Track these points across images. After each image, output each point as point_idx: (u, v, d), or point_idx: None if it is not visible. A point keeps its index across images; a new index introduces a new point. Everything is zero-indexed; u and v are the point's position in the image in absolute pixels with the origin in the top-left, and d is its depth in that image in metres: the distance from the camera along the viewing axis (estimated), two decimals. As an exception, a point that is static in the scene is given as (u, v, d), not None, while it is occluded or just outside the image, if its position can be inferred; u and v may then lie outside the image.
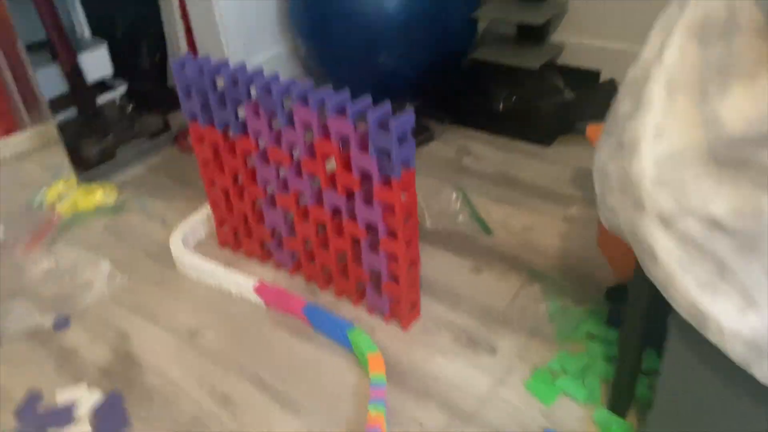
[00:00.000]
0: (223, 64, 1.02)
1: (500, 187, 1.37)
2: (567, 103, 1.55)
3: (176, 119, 1.73)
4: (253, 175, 1.10)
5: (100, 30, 1.70)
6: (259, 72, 0.98)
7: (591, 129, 1.10)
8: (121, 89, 1.68)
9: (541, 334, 1.00)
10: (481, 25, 1.72)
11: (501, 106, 1.57)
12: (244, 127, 1.05)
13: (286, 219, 1.10)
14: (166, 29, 1.77)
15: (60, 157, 1.47)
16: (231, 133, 1.08)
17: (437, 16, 1.53)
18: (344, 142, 0.92)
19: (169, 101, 1.79)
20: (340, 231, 1.03)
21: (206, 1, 1.56)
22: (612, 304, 1.02)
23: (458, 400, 0.91)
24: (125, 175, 1.52)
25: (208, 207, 1.30)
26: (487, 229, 1.24)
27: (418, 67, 1.60)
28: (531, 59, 1.58)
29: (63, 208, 1.36)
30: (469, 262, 1.16)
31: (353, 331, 1.00)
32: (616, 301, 1.02)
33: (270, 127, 1.00)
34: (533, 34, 1.64)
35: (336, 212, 1.01)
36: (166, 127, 1.66)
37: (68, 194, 1.40)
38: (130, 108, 1.72)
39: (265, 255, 1.20)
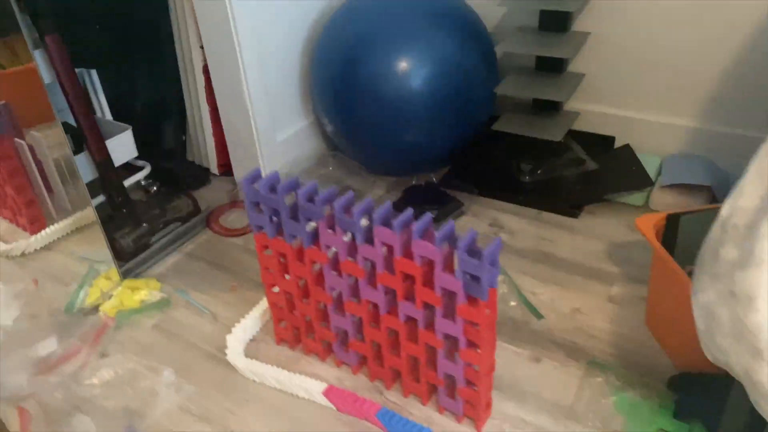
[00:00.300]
0: (294, 182, 1.04)
1: (540, 265, 1.41)
2: (590, 173, 1.61)
3: (203, 197, 1.73)
4: (319, 280, 1.12)
5: (121, 110, 1.70)
6: (333, 191, 1.01)
7: (641, 221, 1.15)
8: (145, 170, 1.68)
9: (611, 429, 1.04)
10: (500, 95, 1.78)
11: (527, 177, 1.62)
12: (314, 239, 1.07)
13: (354, 323, 1.12)
14: (188, 107, 1.78)
15: (91, 247, 1.45)
16: (300, 244, 1.10)
17: (461, 90, 1.58)
18: (426, 262, 0.95)
19: (193, 178, 1.80)
20: (414, 338, 1.06)
21: (235, 79, 1.58)
22: (677, 394, 1.07)
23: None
24: (164, 265, 1.51)
25: (262, 304, 1.31)
26: (537, 314, 1.28)
27: (443, 141, 1.65)
28: (552, 131, 1.63)
29: (109, 309, 1.35)
30: (527, 351, 1.20)
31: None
32: (680, 390, 1.07)
33: (344, 241, 1.02)
34: (550, 105, 1.70)
35: (410, 320, 1.04)
36: (197, 209, 1.66)
37: (112, 292, 1.39)
38: (154, 189, 1.72)
39: (325, 352, 1.21)
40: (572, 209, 1.56)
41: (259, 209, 1.10)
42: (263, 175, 1.08)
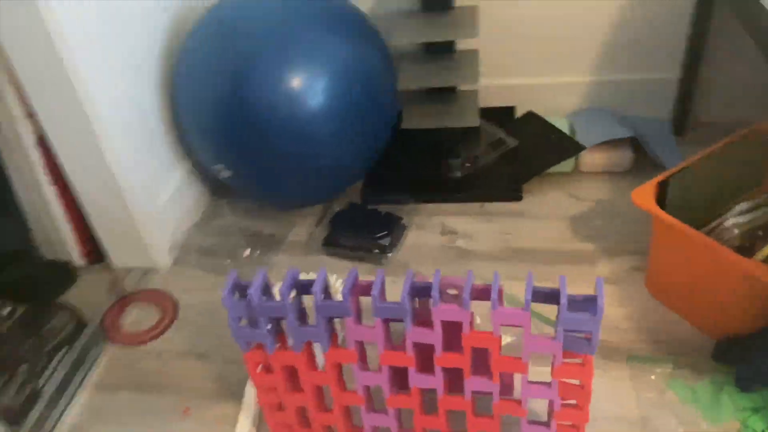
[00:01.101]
0: (294, 275, 0.79)
1: (514, 263, 1.31)
2: (514, 151, 1.53)
3: (78, 300, 1.34)
4: (341, 383, 0.89)
5: None
6: (352, 274, 0.78)
7: (637, 195, 1.08)
8: None
9: (692, 426, 0.97)
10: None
11: (458, 173, 1.49)
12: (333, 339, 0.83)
13: (398, 418, 0.91)
14: (24, 194, 1.35)
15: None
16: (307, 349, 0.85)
17: (365, 97, 1.38)
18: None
19: (55, 280, 1.40)
20: (484, 414, 0.88)
21: (90, 145, 1.20)
22: (729, 366, 1.03)
23: None
24: (73, 414, 1.13)
25: (244, 419, 1.03)
26: (548, 321, 1.17)
27: (356, 155, 1.44)
28: (466, 116, 1.51)
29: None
30: (561, 368, 1.09)
31: None
32: (728, 361, 1.03)
33: (383, 332, 0.80)
34: (446, 89, 1.57)
35: (478, 396, 0.86)
36: (81, 321, 1.27)
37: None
38: (12, 313, 1.29)
39: (353, 456, 0.98)
40: (514, 192, 1.46)
41: (249, 323, 0.83)
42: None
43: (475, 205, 1.47)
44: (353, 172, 1.48)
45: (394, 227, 1.39)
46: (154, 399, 1.13)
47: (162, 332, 1.25)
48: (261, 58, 1.28)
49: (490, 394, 0.84)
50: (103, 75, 1.20)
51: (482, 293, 0.76)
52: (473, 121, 1.51)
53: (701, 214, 1.10)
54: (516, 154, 1.52)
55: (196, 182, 1.52)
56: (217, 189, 1.58)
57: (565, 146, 1.51)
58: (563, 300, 0.71)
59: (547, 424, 0.86)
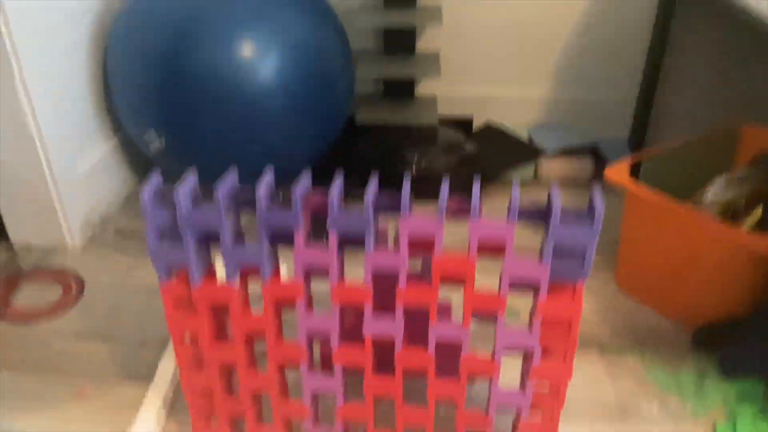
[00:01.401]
0: (234, 180, 0.65)
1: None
2: (472, 156, 1.46)
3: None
4: (280, 331, 0.73)
5: None
6: (304, 185, 0.65)
7: (610, 172, 1.01)
8: None
9: (676, 416, 0.86)
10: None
11: (413, 170, 1.40)
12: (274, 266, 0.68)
13: (345, 380, 0.75)
14: None
15: None
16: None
17: (319, 78, 1.29)
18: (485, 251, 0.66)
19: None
20: (449, 372, 0.74)
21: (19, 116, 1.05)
22: (709, 354, 0.93)
23: None
24: (-64, 393, 0.91)
25: (152, 399, 0.84)
26: (514, 314, 1.05)
27: (304, 143, 1.33)
28: (425, 114, 1.45)
29: None
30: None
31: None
32: (708, 347, 0.94)
33: (335, 256, 0.66)
34: (404, 89, 1.51)
35: (445, 348, 0.72)
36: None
37: None
38: None
39: (285, 441, 0.81)
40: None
41: (173, 242, 0.67)
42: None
43: (428, 207, 1.37)
44: (298, 160, 1.36)
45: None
46: (42, 381, 0.93)
47: (60, 312, 1.06)
48: (209, 18, 1.18)
49: (458, 347, 0.71)
50: (32, 21, 1.07)
51: (459, 210, 0.65)
52: (432, 118, 1.44)
53: (674, 197, 1.04)
54: (474, 160, 1.45)
55: (122, 161, 1.36)
56: (145, 170, 1.42)
57: (524, 152, 1.45)
58: (555, 209, 0.60)
59: (521, 389, 0.73)
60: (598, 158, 1.45)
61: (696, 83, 1.49)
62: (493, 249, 0.67)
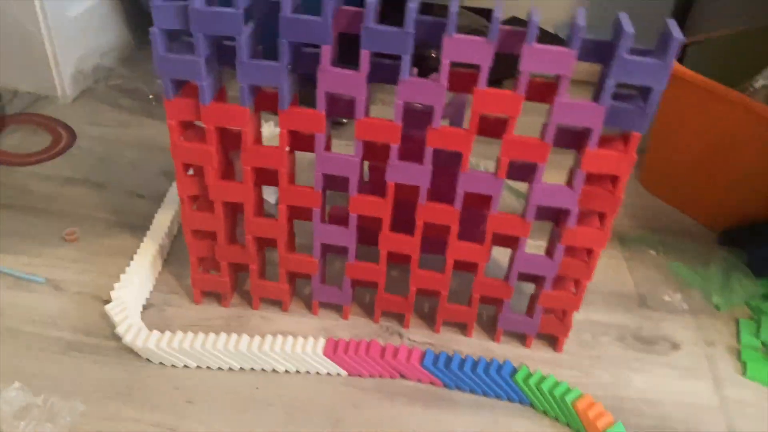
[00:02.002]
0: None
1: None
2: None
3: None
4: (293, 169, 0.67)
5: None
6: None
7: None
8: None
9: (697, 308, 0.82)
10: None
11: (432, 54, 1.31)
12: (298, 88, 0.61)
13: (356, 233, 0.69)
14: None
15: None
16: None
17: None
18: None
19: None
20: (471, 230, 0.68)
21: None
22: (738, 252, 0.88)
23: (700, 423, 0.68)
24: None
25: (147, 247, 0.78)
26: (520, 194, 0.99)
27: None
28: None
29: None
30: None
31: (525, 375, 0.68)
32: (739, 243, 0.89)
33: (364, 83, 0.59)
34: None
35: (470, 203, 0.66)
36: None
37: None
38: None
39: (289, 296, 0.76)
40: (495, 87, 1.29)
41: (183, 46, 0.60)
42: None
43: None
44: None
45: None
46: (30, 220, 0.86)
47: (50, 158, 0.98)
48: None
49: (485, 208, 0.65)
50: None
51: (511, 37, 0.57)
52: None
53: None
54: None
55: (119, 11, 1.24)
56: (143, 26, 1.31)
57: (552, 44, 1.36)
58: (625, 33, 0.52)
59: (548, 255, 0.68)
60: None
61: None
62: (542, 92, 0.60)
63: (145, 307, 0.75)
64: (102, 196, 0.92)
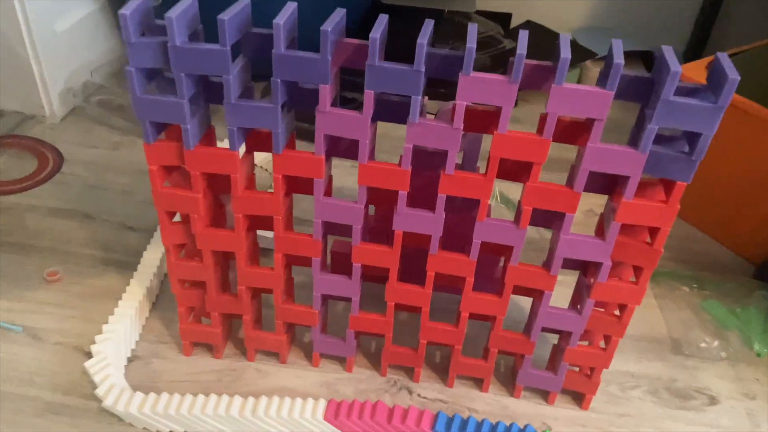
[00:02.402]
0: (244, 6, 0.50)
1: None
2: (509, 53, 1.29)
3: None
4: (289, 218, 0.60)
5: None
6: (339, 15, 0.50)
7: (687, 68, 0.86)
8: None
9: (736, 355, 0.74)
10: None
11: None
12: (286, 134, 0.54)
13: (362, 285, 0.62)
14: None
15: None
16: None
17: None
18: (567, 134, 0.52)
19: None
20: (487, 274, 0.62)
21: None
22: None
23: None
24: None
25: (133, 291, 0.72)
26: (509, 202, 0.92)
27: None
28: (464, 2, 1.27)
29: None
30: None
31: (549, 439, 0.61)
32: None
33: (368, 124, 0.52)
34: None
35: (489, 253, 0.59)
36: None
37: None
38: None
39: (286, 347, 0.69)
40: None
41: (159, 87, 0.53)
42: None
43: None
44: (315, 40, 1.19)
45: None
46: (11, 259, 0.80)
47: (35, 185, 0.92)
48: None
49: (497, 259, 0.58)
50: None
51: (537, 73, 0.50)
52: (467, 6, 1.26)
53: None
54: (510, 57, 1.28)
55: (110, 24, 1.18)
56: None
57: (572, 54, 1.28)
58: (672, 71, 0.45)
59: (573, 309, 0.60)
60: (651, 68, 1.28)
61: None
62: (572, 133, 0.53)
63: (130, 360, 0.69)
64: (89, 229, 0.85)
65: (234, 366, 0.69)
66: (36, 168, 0.95)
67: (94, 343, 0.66)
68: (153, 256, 0.77)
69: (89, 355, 0.66)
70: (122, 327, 0.68)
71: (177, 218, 0.62)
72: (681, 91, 0.48)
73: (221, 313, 0.66)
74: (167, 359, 0.69)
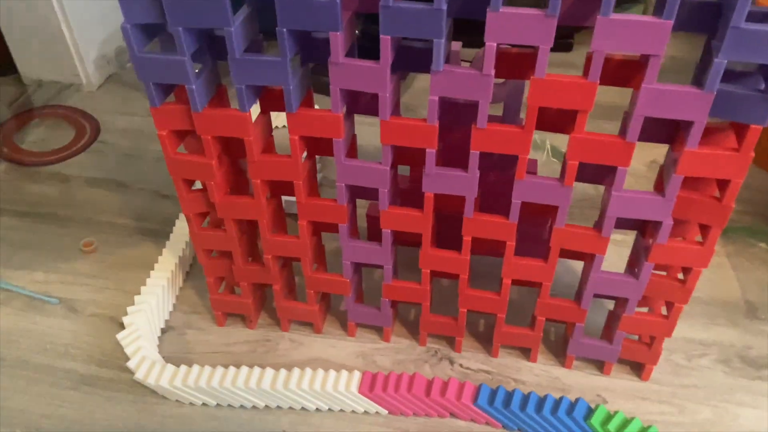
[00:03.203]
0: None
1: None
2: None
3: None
4: (312, 181, 0.56)
5: None
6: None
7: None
8: None
9: (822, 317, 0.66)
10: None
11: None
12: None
13: (393, 250, 0.58)
14: None
15: None
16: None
17: None
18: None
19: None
20: (532, 238, 0.56)
21: None
22: None
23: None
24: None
25: (166, 260, 0.70)
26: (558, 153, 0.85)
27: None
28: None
29: None
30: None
31: (603, 417, 0.56)
32: None
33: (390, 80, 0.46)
34: None
35: (533, 213, 0.54)
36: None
37: None
38: None
39: (321, 317, 0.66)
40: (564, 42, 1.12)
41: (169, 40, 0.49)
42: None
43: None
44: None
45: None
46: (43, 229, 0.80)
47: (72, 155, 0.91)
48: None
49: (545, 219, 0.52)
50: None
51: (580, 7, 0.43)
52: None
53: None
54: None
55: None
56: None
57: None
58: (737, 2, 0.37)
59: (630, 274, 0.54)
60: None
61: None
62: (623, 73, 0.46)
63: (164, 331, 0.67)
64: (124, 199, 0.84)
65: (268, 336, 0.67)
66: (73, 137, 0.94)
67: (125, 317, 0.64)
68: (185, 224, 0.75)
69: (123, 326, 0.65)
70: (154, 298, 0.66)
71: (199, 185, 0.59)
72: (754, 17, 0.40)
73: (251, 282, 0.64)
74: (201, 330, 0.67)
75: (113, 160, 0.90)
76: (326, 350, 0.65)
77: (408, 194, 0.61)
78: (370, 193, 0.55)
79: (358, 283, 0.64)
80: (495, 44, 0.43)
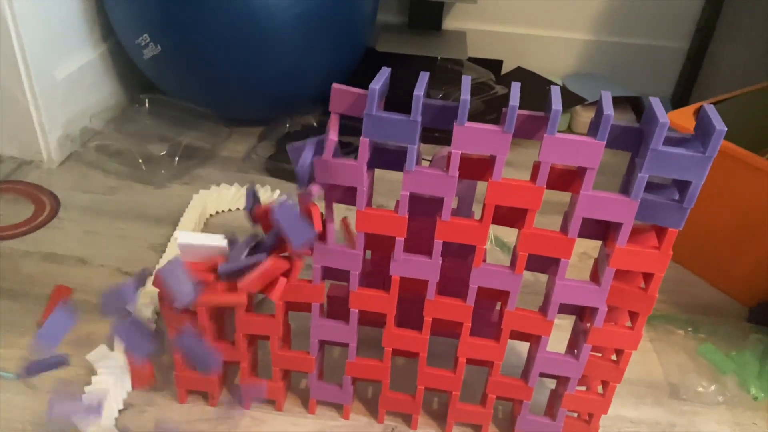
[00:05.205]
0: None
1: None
2: (501, 99, 1.32)
3: None
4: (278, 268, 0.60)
5: None
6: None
7: (673, 116, 0.88)
8: None
9: (734, 399, 0.74)
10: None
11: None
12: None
13: (357, 329, 0.63)
14: None
15: None
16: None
17: (338, 6, 1.13)
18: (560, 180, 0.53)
19: None
20: (485, 329, 0.62)
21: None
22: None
23: None
24: None
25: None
26: (504, 246, 0.93)
27: (319, 69, 1.18)
28: (455, 49, 1.31)
29: None
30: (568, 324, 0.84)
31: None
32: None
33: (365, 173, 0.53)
34: (428, 22, 1.37)
35: (485, 297, 0.60)
36: None
37: None
38: None
39: (283, 395, 0.68)
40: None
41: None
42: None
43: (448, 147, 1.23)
44: (310, 86, 1.21)
45: (352, 155, 1.12)
46: (6, 306, 0.79)
47: (31, 230, 0.92)
48: None
49: (493, 304, 0.59)
50: None
51: (529, 123, 0.52)
52: (459, 53, 1.29)
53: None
54: (503, 104, 1.31)
55: (109, 70, 1.20)
56: (134, 83, 1.26)
57: (564, 99, 1.31)
58: (660, 121, 0.46)
59: (571, 355, 0.60)
60: (640, 113, 1.31)
61: (751, 39, 1.35)
62: (565, 180, 0.54)
63: (122, 410, 0.68)
64: (84, 275, 0.85)
65: (230, 413, 0.68)
66: (32, 213, 0.95)
67: (83, 395, 0.65)
68: (144, 301, 0.77)
69: (82, 403, 0.65)
70: (112, 377, 0.67)
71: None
72: (670, 141, 0.49)
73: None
74: (161, 407, 0.68)
75: (74, 236, 0.92)
76: (287, 427, 0.67)
77: (370, 276, 0.67)
78: (339, 274, 0.60)
79: (321, 361, 0.68)
80: (460, 152, 0.50)
